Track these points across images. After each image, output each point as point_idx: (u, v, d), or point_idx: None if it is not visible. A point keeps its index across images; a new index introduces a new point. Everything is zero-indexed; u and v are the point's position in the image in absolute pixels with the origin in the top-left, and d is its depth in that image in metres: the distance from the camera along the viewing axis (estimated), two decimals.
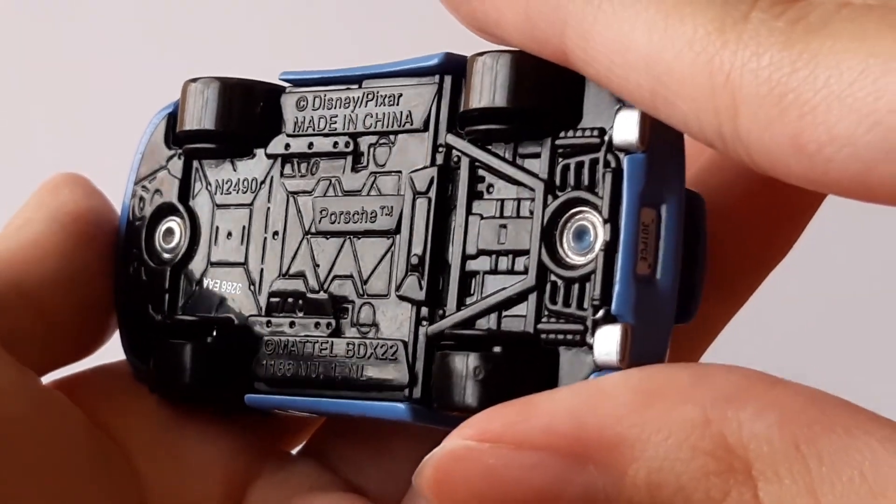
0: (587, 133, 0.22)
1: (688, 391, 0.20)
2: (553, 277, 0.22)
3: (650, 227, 0.22)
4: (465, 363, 0.22)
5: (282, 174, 0.26)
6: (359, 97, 0.25)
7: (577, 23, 0.21)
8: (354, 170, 0.25)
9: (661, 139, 0.22)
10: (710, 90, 0.20)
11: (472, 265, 0.23)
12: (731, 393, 0.20)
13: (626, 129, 0.22)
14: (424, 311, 0.24)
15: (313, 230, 0.25)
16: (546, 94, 0.23)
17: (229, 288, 0.26)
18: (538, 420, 0.21)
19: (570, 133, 0.22)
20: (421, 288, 0.24)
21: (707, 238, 0.23)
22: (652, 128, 0.22)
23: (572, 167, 0.22)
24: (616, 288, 0.22)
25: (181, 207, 0.27)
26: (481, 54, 0.23)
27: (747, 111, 0.19)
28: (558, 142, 0.23)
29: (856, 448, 0.19)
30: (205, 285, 0.27)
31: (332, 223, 0.25)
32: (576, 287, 0.22)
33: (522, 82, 0.23)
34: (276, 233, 0.26)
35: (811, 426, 0.19)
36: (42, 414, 0.25)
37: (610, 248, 0.22)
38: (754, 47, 0.19)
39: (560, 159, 0.22)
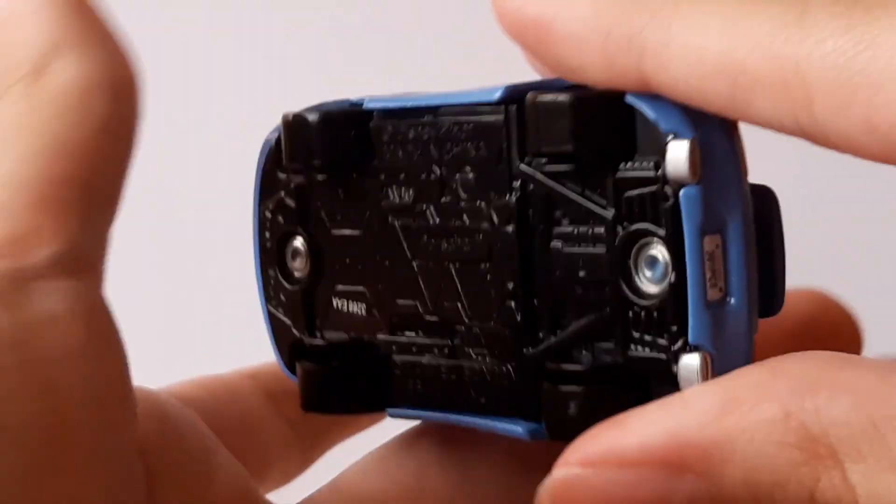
0: (644, 165, 0.23)
1: (764, 389, 0.21)
2: (634, 307, 0.23)
3: (716, 252, 0.22)
4: (573, 399, 0.24)
5: (383, 200, 0.26)
6: (439, 127, 0.25)
7: (654, 48, 0.22)
8: (443, 198, 0.25)
9: (716, 163, 0.22)
10: (783, 83, 0.21)
11: (559, 293, 0.24)
12: (805, 382, 0.21)
13: (677, 162, 0.22)
14: (522, 337, 0.25)
15: (418, 256, 0.26)
16: (605, 134, 0.23)
17: (356, 308, 0.27)
18: (633, 438, 0.22)
19: (630, 164, 0.23)
20: (517, 315, 0.25)
21: (782, 227, 0.24)
22: (705, 155, 0.22)
23: (635, 200, 0.23)
24: (690, 320, 0.22)
25: (302, 231, 0.28)
26: (537, 95, 0.23)
27: (821, 99, 0.20)
28: (619, 175, 0.23)
29: None
30: (335, 306, 0.28)
31: (433, 249, 0.26)
32: (655, 315, 0.23)
33: (582, 127, 0.23)
34: (387, 257, 0.26)
35: (885, 403, 0.20)
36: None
37: (679, 281, 0.22)
38: (817, 35, 0.20)
39: (624, 191, 0.23)
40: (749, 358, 0.23)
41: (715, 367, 0.22)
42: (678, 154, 0.22)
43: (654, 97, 0.23)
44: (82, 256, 0.22)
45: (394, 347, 0.27)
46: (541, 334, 0.24)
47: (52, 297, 0.22)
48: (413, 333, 0.26)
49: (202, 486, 0.25)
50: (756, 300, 0.23)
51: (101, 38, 0.24)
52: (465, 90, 0.25)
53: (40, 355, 0.21)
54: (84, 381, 0.21)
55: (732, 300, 0.22)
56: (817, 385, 0.21)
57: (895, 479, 0.20)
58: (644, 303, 0.23)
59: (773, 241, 0.23)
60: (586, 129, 0.23)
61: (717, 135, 0.23)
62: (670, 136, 0.22)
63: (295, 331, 0.28)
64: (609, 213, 0.23)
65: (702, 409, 0.21)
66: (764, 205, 0.23)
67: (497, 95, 0.24)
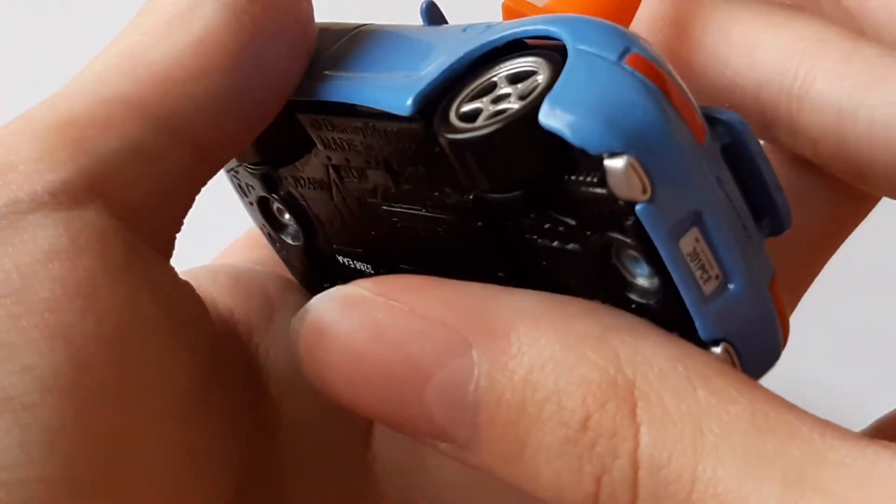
0: (589, 181, 0.20)
1: (594, 312, 0.20)
2: (632, 305, 0.21)
3: (698, 247, 0.20)
4: None
5: (340, 178, 0.24)
6: (364, 127, 0.23)
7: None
8: (401, 184, 0.23)
9: (664, 156, 0.20)
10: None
11: (552, 281, 0.22)
12: (635, 327, 0.20)
13: (621, 185, 0.19)
14: None
15: (396, 228, 0.24)
16: (529, 164, 0.20)
17: (362, 266, 0.26)
18: (440, 293, 0.20)
19: (575, 178, 0.20)
20: None
21: (759, 146, 0.21)
22: (647, 157, 0.19)
23: (594, 213, 0.20)
24: (695, 321, 0.20)
25: (276, 197, 0.26)
26: (443, 130, 0.21)
27: None
28: (568, 190, 0.20)
29: (749, 393, 0.19)
30: (342, 263, 0.26)
31: (404, 226, 0.24)
32: (658, 316, 0.21)
33: (497, 165, 0.20)
34: (370, 227, 0.24)
35: (707, 366, 0.19)
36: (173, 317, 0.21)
37: (667, 286, 0.20)
38: None
39: (577, 205, 0.20)
40: (774, 320, 0.21)
41: (740, 353, 0.20)
42: (618, 177, 0.19)
43: (571, 104, 0.19)
44: (98, 184, 0.20)
45: None
46: None
47: (51, 231, 0.19)
48: None
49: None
50: (759, 265, 0.21)
51: None
52: (381, 79, 0.22)
53: (40, 300, 0.18)
54: (96, 320, 0.19)
55: (732, 285, 0.20)
56: (647, 332, 0.20)
57: (688, 434, 0.18)
58: (641, 300, 0.21)
59: (754, 165, 0.21)
60: (503, 165, 0.20)
61: (652, 117, 0.19)
62: (605, 156, 0.19)
63: (310, 287, 0.27)
64: (572, 222, 0.21)
65: (523, 300, 0.20)
66: (732, 136, 0.21)
67: (408, 106, 0.21)
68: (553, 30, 0.21)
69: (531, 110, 0.20)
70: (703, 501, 0.18)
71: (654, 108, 0.19)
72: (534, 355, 0.19)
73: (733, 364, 0.20)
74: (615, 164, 0.19)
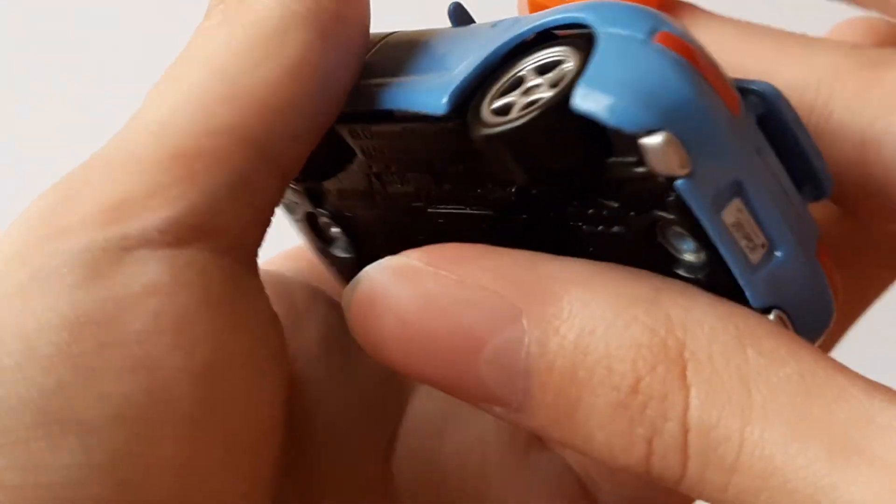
0: (628, 161, 0.20)
1: (645, 276, 0.20)
2: (684, 279, 0.21)
3: (741, 217, 0.20)
4: None
5: (382, 185, 0.24)
6: (403, 131, 0.23)
7: None
8: (441, 185, 0.23)
9: (702, 130, 0.20)
10: None
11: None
12: (687, 290, 0.20)
13: (659, 162, 0.19)
14: None
15: (443, 230, 0.24)
16: (566, 152, 0.20)
17: None
18: (490, 262, 0.20)
19: (614, 160, 0.20)
20: None
21: (795, 115, 0.21)
22: (685, 131, 0.19)
23: (635, 194, 0.20)
24: (745, 290, 0.20)
25: (322, 211, 0.26)
26: (478, 128, 0.21)
27: None
28: (608, 174, 0.20)
29: (798, 354, 0.19)
30: None
31: (451, 226, 0.24)
32: (709, 288, 0.21)
33: (533, 158, 0.20)
34: (413, 233, 0.24)
35: (758, 326, 0.19)
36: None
37: (715, 258, 0.20)
38: None
39: (619, 186, 0.21)
40: (823, 283, 0.21)
41: (792, 318, 0.21)
42: (657, 154, 0.19)
43: (603, 86, 0.20)
44: (207, 221, 0.20)
45: None
46: None
47: (154, 267, 0.20)
48: None
49: None
50: (804, 231, 0.21)
51: None
52: (415, 82, 0.22)
53: (130, 333, 0.19)
54: (185, 356, 0.19)
55: (778, 252, 0.21)
56: (699, 295, 0.20)
57: (736, 396, 0.18)
58: (690, 276, 0.21)
59: (790, 133, 0.21)
60: (540, 155, 0.20)
61: (686, 91, 0.20)
62: (642, 134, 0.19)
63: None
64: (615, 204, 0.21)
65: (573, 267, 0.20)
66: (766, 105, 0.21)
67: (443, 105, 0.21)
68: (580, 16, 0.21)
69: (563, 97, 0.20)
70: (749, 463, 0.18)
71: (687, 82, 0.19)
72: (584, 319, 0.19)
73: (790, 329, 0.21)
74: (653, 141, 0.19)
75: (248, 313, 0.21)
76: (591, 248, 0.22)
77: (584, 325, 0.19)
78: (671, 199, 0.20)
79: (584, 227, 0.22)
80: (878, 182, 0.23)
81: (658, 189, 0.20)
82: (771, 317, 0.20)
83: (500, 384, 0.20)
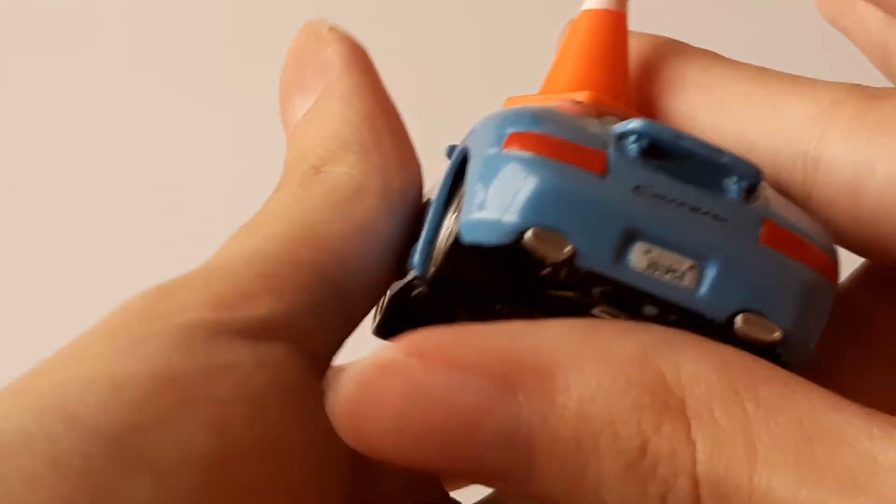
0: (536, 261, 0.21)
1: (627, 332, 0.20)
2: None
3: (653, 253, 0.21)
4: None
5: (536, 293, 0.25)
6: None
7: None
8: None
9: (569, 215, 0.21)
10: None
11: None
12: (670, 339, 0.20)
13: (544, 252, 0.21)
14: None
15: None
16: (487, 279, 0.22)
17: None
18: (475, 342, 0.20)
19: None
20: None
21: (676, 132, 0.22)
22: (553, 228, 0.21)
23: (567, 281, 0.22)
24: (703, 315, 0.21)
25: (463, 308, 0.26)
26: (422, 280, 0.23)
27: None
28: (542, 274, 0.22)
29: (794, 398, 0.20)
30: None
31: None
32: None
33: (469, 287, 0.23)
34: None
35: (750, 374, 0.20)
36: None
37: (664, 306, 0.21)
38: None
39: (557, 279, 0.22)
40: (779, 264, 0.21)
41: (760, 312, 0.21)
42: (538, 249, 0.21)
43: (474, 210, 0.22)
44: (289, 326, 0.23)
45: None
46: None
47: (239, 351, 0.22)
48: None
49: None
50: (732, 230, 0.21)
51: (383, 146, 0.25)
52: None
53: (210, 395, 0.21)
54: (254, 424, 0.21)
55: (711, 264, 0.21)
56: (682, 344, 0.20)
57: (740, 448, 0.19)
58: (665, 324, 0.21)
59: (679, 149, 0.22)
60: (476, 283, 0.23)
61: (536, 185, 0.21)
62: (519, 239, 0.21)
63: None
64: (570, 293, 0.22)
65: (559, 331, 0.20)
66: (646, 138, 0.22)
67: (418, 267, 0.24)
68: (463, 146, 0.23)
69: (455, 236, 0.22)
70: None
71: (536, 176, 0.21)
72: (581, 388, 0.20)
73: (763, 323, 0.21)
74: (528, 239, 0.21)
75: (318, 410, 0.22)
76: (591, 313, 0.22)
77: (583, 394, 0.20)
78: (581, 276, 0.21)
79: (569, 299, 0.22)
80: (867, 209, 0.23)
81: (566, 270, 0.21)
82: (738, 321, 0.21)
83: (503, 460, 0.20)
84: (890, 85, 0.26)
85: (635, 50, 0.27)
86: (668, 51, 0.26)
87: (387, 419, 0.20)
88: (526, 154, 0.21)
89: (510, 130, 0.22)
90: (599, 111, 0.24)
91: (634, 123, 0.22)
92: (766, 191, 0.23)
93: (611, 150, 0.21)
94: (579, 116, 0.23)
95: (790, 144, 0.24)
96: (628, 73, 0.27)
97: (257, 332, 0.22)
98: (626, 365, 0.20)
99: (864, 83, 0.24)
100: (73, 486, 0.19)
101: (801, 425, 0.19)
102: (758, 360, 0.20)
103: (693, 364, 0.20)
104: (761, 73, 0.25)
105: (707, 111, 0.25)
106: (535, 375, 0.20)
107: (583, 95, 0.25)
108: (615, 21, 0.26)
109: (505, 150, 0.21)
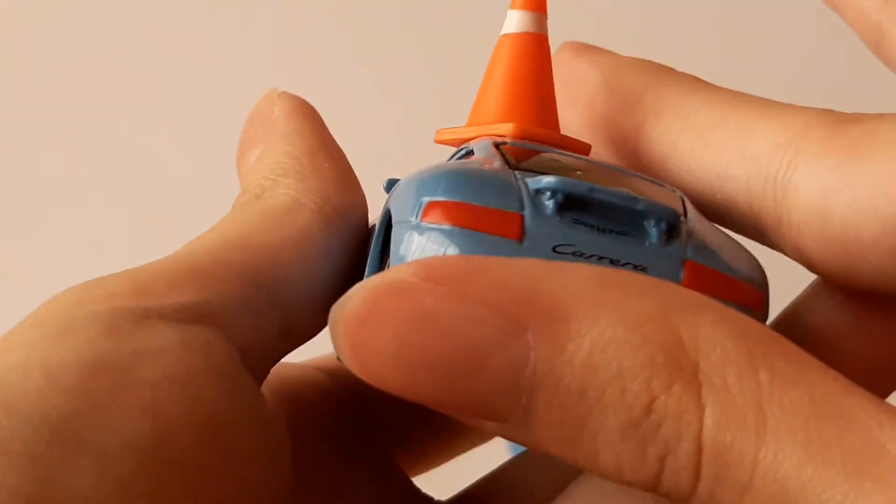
0: None
1: (648, 287, 0.20)
2: None
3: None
4: None
5: None
6: None
7: None
8: None
9: None
10: None
11: None
12: (690, 301, 0.20)
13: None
14: None
15: None
16: None
17: None
18: (492, 275, 0.20)
19: None
20: None
21: (587, 185, 0.22)
22: None
23: None
24: None
25: None
26: None
27: None
28: None
29: (808, 375, 0.19)
30: None
31: None
32: None
33: None
34: None
35: (767, 344, 0.19)
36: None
37: None
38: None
39: None
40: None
41: None
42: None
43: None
44: (215, 314, 0.23)
45: None
46: None
47: (166, 333, 0.22)
48: None
49: None
50: (652, 272, 0.22)
51: (322, 171, 0.26)
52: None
53: (141, 379, 0.21)
54: (188, 404, 0.21)
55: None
56: (703, 307, 0.20)
57: (750, 418, 0.19)
58: None
59: (593, 201, 0.22)
60: None
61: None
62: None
63: None
64: None
65: (579, 276, 0.20)
66: (561, 195, 0.22)
67: None
68: (387, 207, 0.24)
69: None
70: (763, 486, 0.18)
71: (453, 249, 0.21)
72: (594, 337, 0.19)
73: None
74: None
75: (250, 389, 0.23)
76: None
77: (594, 344, 0.19)
78: None
79: None
80: (836, 230, 0.23)
81: None
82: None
83: (502, 401, 0.19)
84: (882, 65, 0.26)
85: (616, 73, 0.27)
86: (649, 76, 0.27)
87: (390, 342, 0.19)
88: (443, 226, 0.21)
89: (426, 200, 0.22)
90: (518, 155, 0.24)
91: (548, 180, 0.22)
92: (691, 223, 0.23)
93: (527, 212, 0.22)
94: (495, 172, 0.22)
95: (761, 170, 0.24)
96: (554, 96, 0.26)
97: (183, 315, 0.22)
98: (644, 320, 0.19)
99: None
100: (19, 472, 0.19)
101: (813, 402, 0.19)
102: (775, 333, 0.20)
103: (711, 328, 0.19)
104: (737, 98, 0.25)
105: (685, 139, 0.25)
106: (547, 318, 0.19)
107: (507, 128, 0.25)
108: (536, 44, 0.26)
109: (423, 222, 0.22)
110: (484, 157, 0.23)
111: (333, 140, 0.27)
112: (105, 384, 0.21)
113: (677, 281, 0.22)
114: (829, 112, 0.24)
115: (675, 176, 0.25)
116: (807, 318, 0.26)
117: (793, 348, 0.20)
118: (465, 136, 0.26)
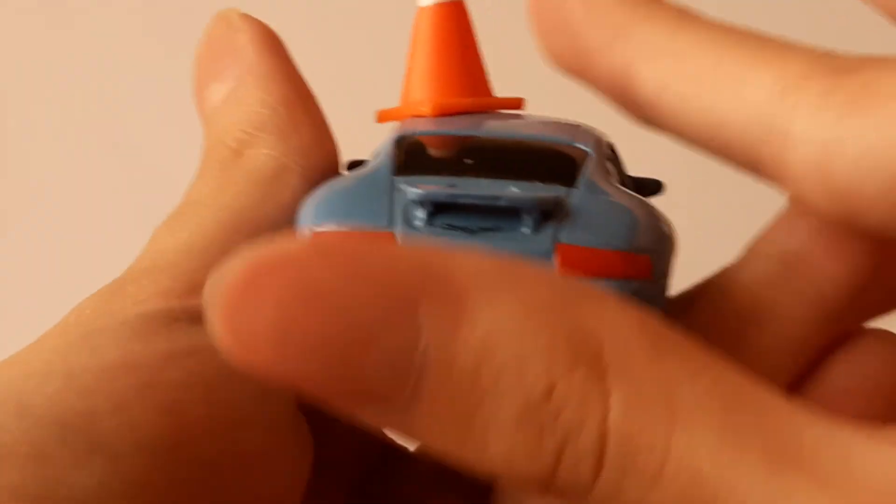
0: None
1: (549, 278, 0.19)
2: None
3: None
4: None
5: None
6: None
7: None
8: None
9: None
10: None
11: None
12: (592, 293, 0.19)
13: None
14: None
15: None
16: None
17: None
18: (384, 252, 0.18)
19: None
20: None
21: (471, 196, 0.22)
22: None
23: None
24: None
25: None
26: None
27: None
28: None
29: (714, 365, 0.19)
30: None
31: None
32: None
33: None
34: None
35: (670, 337, 0.19)
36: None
37: None
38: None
39: None
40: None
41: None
42: None
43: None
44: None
45: None
46: None
47: (196, 336, 0.22)
48: None
49: None
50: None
51: (300, 127, 0.26)
52: None
53: (167, 380, 0.22)
54: (211, 406, 0.22)
55: None
56: (605, 298, 0.19)
57: (661, 405, 0.18)
58: None
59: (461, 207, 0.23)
60: None
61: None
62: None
63: None
64: None
65: (480, 258, 0.19)
66: (442, 200, 0.23)
67: None
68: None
69: None
70: (675, 473, 0.18)
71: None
72: (491, 319, 0.18)
73: None
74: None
75: (276, 390, 0.23)
76: None
77: (491, 326, 0.18)
78: None
79: None
80: (838, 184, 0.23)
81: None
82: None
83: (387, 382, 0.18)
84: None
85: (601, 6, 0.25)
86: (638, 10, 0.25)
87: (270, 319, 0.17)
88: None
89: (307, 230, 0.23)
90: (417, 148, 0.25)
91: (412, 192, 0.22)
92: (575, 196, 0.23)
93: (398, 227, 0.22)
94: (370, 186, 0.23)
95: (759, 121, 0.23)
96: (479, 58, 0.27)
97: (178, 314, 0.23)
98: (544, 306, 0.18)
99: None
100: (24, 472, 0.20)
101: (723, 391, 0.18)
102: (676, 329, 0.19)
103: (614, 315, 0.19)
104: (729, 36, 0.24)
105: (677, 82, 0.24)
106: (440, 298, 0.18)
107: (426, 107, 0.26)
108: (451, 12, 0.26)
109: None
110: (374, 164, 0.24)
111: (305, 84, 0.26)
112: (129, 384, 0.21)
113: (551, 267, 0.22)
114: (827, 58, 0.23)
115: (668, 119, 0.25)
116: (769, 249, 0.26)
117: (694, 342, 0.19)
118: (398, 115, 0.27)
